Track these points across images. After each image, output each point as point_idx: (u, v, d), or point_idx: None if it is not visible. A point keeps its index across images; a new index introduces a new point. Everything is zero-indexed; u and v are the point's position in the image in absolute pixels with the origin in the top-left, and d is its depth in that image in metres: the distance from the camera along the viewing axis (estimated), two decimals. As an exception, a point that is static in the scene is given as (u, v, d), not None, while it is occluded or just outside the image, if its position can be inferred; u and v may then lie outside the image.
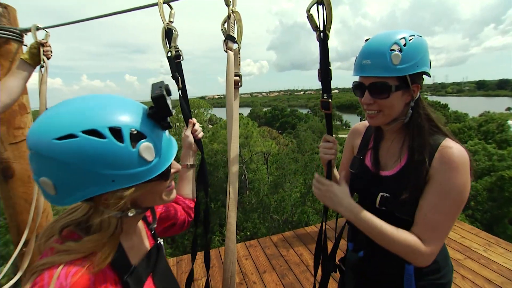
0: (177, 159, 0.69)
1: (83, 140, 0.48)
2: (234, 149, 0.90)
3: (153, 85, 0.59)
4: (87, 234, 0.56)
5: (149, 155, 0.54)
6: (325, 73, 0.86)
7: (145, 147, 0.54)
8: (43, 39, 1.47)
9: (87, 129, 0.49)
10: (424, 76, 0.90)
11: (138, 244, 0.72)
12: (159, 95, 0.56)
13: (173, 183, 0.69)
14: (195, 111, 25.83)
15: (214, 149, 18.73)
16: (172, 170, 0.66)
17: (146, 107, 0.60)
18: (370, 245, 0.94)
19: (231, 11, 0.91)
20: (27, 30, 1.59)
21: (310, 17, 0.83)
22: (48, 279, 0.49)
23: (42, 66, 1.47)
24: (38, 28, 1.50)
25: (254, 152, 19.85)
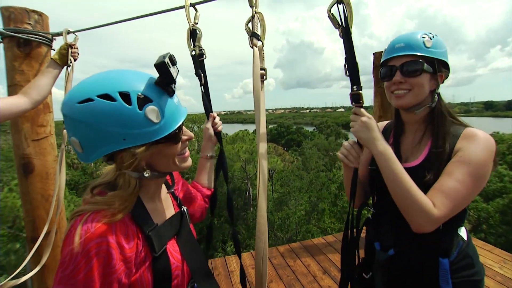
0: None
1: (98, 103, 0.58)
2: (262, 138, 0.91)
3: (159, 56, 0.65)
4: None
5: (154, 117, 0.61)
6: (351, 66, 0.89)
7: (151, 110, 0.61)
8: (72, 42, 1.59)
9: (101, 93, 0.58)
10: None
11: (162, 209, 0.78)
12: (160, 62, 0.62)
13: (187, 151, 0.76)
14: (201, 126, 26.14)
15: (220, 164, 18.72)
16: (184, 137, 0.73)
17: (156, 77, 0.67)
18: (400, 242, 0.95)
19: (254, 12, 0.99)
20: (58, 34, 1.72)
21: (331, 16, 0.89)
22: (78, 223, 0.58)
23: (68, 66, 1.58)
24: (68, 32, 1.63)
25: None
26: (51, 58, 1.56)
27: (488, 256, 2.85)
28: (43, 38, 1.72)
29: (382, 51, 2.69)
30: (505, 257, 2.81)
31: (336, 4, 0.86)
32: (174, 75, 0.64)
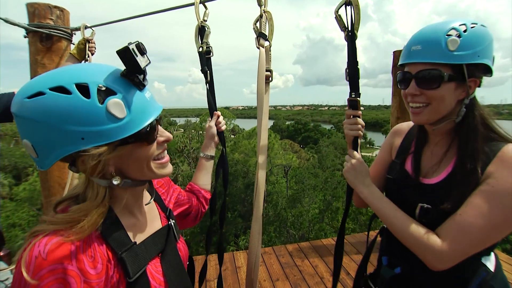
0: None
1: (50, 96, 0.49)
2: (263, 139, 0.93)
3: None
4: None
5: (118, 112, 0.53)
6: (352, 71, 0.85)
7: (113, 103, 0.52)
8: (89, 37, 1.65)
9: (54, 86, 0.50)
10: (484, 76, 0.78)
11: (144, 223, 0.69)
12: (123, 48, 0.54)
13: (166, 156, 0.67)
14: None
15: (235, 159, 18.90)
16: (161, 138, 0.64)
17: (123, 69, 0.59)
18: (408, 260, 0.83)
19: (263, 11, 0.96)
20: (76, 29, 1.78)
21: (338, 18, 0.85)
22: (29, 246, 0.49)
23: (86, 60, 1.63)
24: (86, 27, 1.68)
25: (275, 165, 19.74)
26: (70, 52, 1.63)
27: None
28: (63, 33, 1.79)
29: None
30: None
31: (344, 6, 0.82)
32: (141, 64, 0.56)
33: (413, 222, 0.76)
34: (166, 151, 0.68)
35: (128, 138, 0.55)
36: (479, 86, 0.78)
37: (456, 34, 0.72)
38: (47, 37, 1.76)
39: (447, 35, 0.73)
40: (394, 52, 2.60)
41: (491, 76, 0.78)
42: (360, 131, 0.90)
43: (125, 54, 0.54)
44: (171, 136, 0.66)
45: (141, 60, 0.56)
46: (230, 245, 15.49)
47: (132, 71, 0.56)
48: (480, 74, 0.77)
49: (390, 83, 2.87)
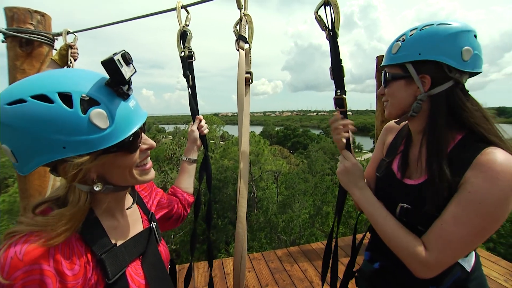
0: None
1: (31, 105, 0.49)
2: (245, 142, 0.94)
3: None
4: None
5: (101, 122, 0.52)
6: (336, 69, 0.87)
7: (96, 113, 0.52)
8: (72, 42, 1.62)
9: (36, 94, 0.49)
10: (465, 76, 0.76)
11: (126, 226, 0.69)
12: (108, 58, 0.54)
13: (149, 162, 0.67)
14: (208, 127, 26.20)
15: (225, 165, 18.80)
16: (144, 146, 0.64)
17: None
18: (386, 256, 0.85)
19: (243, 14, 0.98)
20: (58, 34, 1.75)
21: (318, 18, 0.87)
22: (5, 247, 0.48)
23: (68, 66, 1.60)
24: (68, 32, 1.66)
25: (264, 170, 19.75)
26: (51, 58, 1.59)
27: (493, 267, 2.75)
28: (44, 38, 1.75)
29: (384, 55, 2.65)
30: (511, 269, 2.72)
31: (323, 6, 0.85)
32: (126, 75, 0.56)
33: (401, 230, 0.76)
34: (149, 158, 0.68)
35: (111, 147, 0.55)
36: (460, 85, 0.76)
37: (402, 39, 0.80)
38: (27, 42, 1.72)
39: (397, 41, 0.82)
40: (377, 57, 2.68)
41: (461, 72, 0.75)
42: (347, 133, 0.91)
43: (109, 65, 0.54)
44: (154, 144, 0.66)
45: (126, 71, 0.56)
46: (220, 252, 15.26)
47: (116, 82, 0.56)
48: (433, 70, 0.76)
49: (374, 88, 2.94)
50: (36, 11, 1.75)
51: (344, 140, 0.91)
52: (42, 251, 0.49)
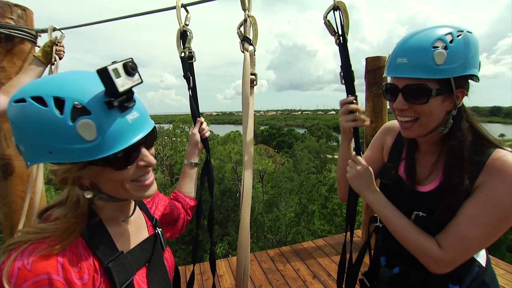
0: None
1: (29, 105, 0.49)
2: (249, 142, 0.93)
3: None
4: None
5: (86, 134, 0.49)
6: (347, 74, 0.86)
7: (83, 124, 0.49)
8: (58, 39, 1.53)
9: (35, 95, 0.49)
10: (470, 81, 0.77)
11: (130, 233, 0.67)
12: (102, 68, 0.50)
13: (148, 179, 0.62)
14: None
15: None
16: (141, 163, 0.58)
17: None
18: (407, 261, 0.84)
19: (247, 16, 0.96)
20: (43, 31, 1.65)
21: (327, 23, 0.86)
22: (12, 258, 0.47)
23: (52, 64, 1.51)
24: (54, 29, 1.56)
25: (250, 170, 19.72)
26: (33, 55, 1.49)
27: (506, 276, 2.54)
28: (26, 34, 1.65)
29: (374, 57, 2.71)
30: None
31: (332, 11, 0.84)
32: (120, 86, 0.51)
33: (415, 229, 0.79)
34: (149, 174, 0.62)
35: (97, 160, 0.51)
36: (466, 94, 0.77)
37: (443, 46, 0.70)
38: (7, 38, 1.61)
39: (434, 47, 0.70)
40: (366, 59, 2.74)
41: (478, 82, 0.76)
42: (359, 121, 0.84)
43: (102, 75, 0.50)
44: (153, 161, 0.61)
45: (126, 81, 0.52)
46: (207, 253, 15.11)
47: (109, 94, 0.51)
48: (466, 84, 0.76)
49: (363, 87, 2.98)
50: (16, 5, 1.64)
51: (350, 129, 0.87)
52: (50, 259, 0.48)
